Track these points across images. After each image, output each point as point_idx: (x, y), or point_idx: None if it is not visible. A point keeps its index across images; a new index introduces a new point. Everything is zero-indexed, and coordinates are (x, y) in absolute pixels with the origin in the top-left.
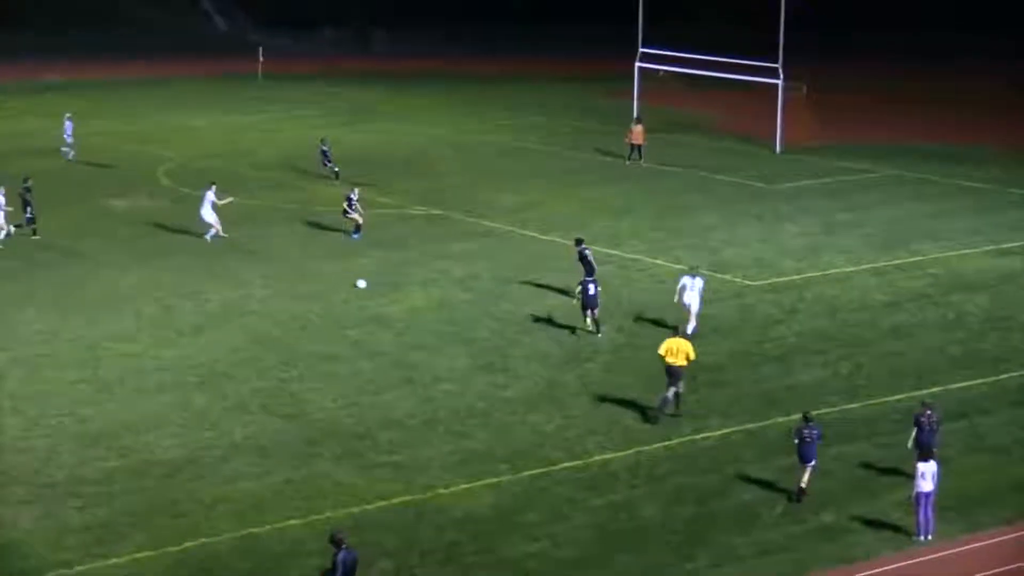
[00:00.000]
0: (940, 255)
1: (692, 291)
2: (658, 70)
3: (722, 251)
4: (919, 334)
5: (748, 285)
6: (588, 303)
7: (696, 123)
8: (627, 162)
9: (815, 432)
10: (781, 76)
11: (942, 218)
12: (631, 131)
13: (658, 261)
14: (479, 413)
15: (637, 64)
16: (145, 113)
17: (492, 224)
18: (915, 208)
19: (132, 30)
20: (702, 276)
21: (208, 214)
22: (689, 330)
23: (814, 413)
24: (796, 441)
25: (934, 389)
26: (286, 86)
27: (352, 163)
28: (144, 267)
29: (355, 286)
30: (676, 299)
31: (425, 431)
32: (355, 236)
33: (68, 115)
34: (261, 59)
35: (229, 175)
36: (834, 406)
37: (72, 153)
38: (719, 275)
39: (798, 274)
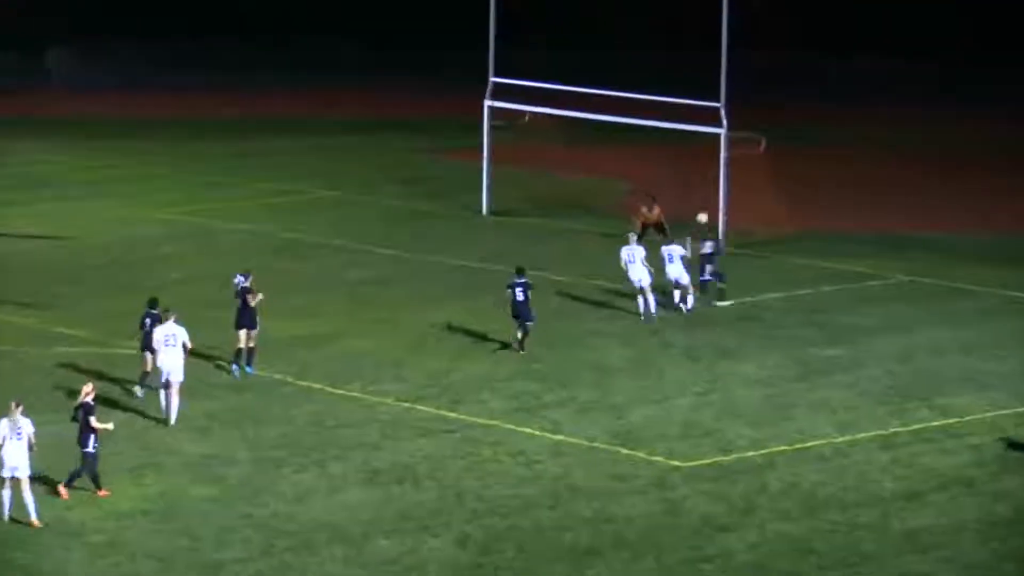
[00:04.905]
0: (984, 415)
1: (635, 263)
2: (522, 113)
3: (631, 412)
4: (953, 544)
5: (676, 467)
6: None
7: (583, 198)
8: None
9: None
10: (725, 123)
11: (985, 352)
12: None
13: (525, 429)
14: None
15: (487, 103)
16: None
17: (251, 371)
18: (943, 336)
19: None
20: (643, 245)
21: None
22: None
23: None
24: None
25: None
26: None
27: (10, 272)
28: None
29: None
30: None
31: None
32: None
33: None
34: None
35: None
36: None
37: None
38: (626, 450)
39: (756, 449)
